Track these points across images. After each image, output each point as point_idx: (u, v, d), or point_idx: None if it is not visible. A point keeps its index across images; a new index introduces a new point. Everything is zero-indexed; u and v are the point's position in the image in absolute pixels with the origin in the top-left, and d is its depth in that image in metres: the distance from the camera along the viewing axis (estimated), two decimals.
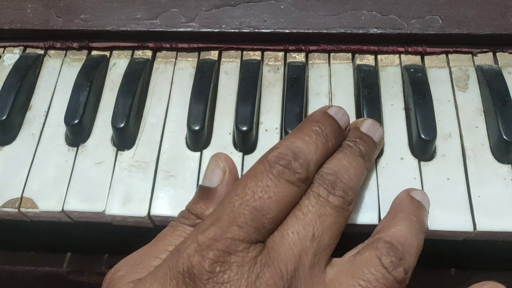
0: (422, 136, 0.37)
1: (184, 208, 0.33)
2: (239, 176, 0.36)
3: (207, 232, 0.28)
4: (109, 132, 0.40)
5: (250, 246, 0.28)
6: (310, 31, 0.43)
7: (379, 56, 0.44)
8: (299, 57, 0.44)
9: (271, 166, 0.30)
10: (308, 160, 0.31)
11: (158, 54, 0.45)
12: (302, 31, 0.43)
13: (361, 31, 0.43)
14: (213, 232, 0.28)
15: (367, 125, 0.36)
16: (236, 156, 0.39)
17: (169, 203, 0.37)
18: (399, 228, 0.31)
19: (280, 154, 0.30)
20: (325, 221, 0.30)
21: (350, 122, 0.36)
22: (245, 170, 0.38)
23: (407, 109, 0.40)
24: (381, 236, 0.31)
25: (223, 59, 0.44)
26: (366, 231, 0.36)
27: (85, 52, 0.46)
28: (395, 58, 0.44)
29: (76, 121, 0.40)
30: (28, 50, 0.46)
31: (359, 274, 0.29)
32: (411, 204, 0.33)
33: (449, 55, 0.43)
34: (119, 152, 0.39)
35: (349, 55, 0.44)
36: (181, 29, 0.44)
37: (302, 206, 0.30)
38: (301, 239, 0.29)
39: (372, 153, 0.35)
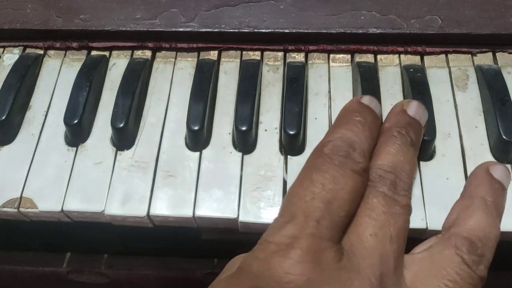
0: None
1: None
2: None
3: (284, 231, 0.26)
4: (108, 132, 0.40)
5: (333, 246, 0.26)
6: (310, 31, 0.43)
7: (378, 56, 0.44)
8: (299, 57, 0.44)
9: (332, 158, 0.28)
10: (363, 149, 0.30)
11: (158, 54, 0.45)
12: (302, 31, 0.43)
13: (360, 31, 0.43)
14: (291, 230, 0.26)
15: (414, 107, 0.34)
16: (235, 156, 0.39)
17: (168, 203, 0.37)
18: (477, 220, 0.30)
19: (336, 147, 0.29)
20: (398, 221, 0.29)
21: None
22: (245, 170, 0.38)
23: None
24: (458, 232, 0.30)
25: (222, 59, 0.44)
26: None
27: (85, 52, 0.46)
28: (394, 58, 0.44)
29: (76, 121, 0.40)
30: (28, 50, 0.46)
31: (443, 274, 0.28)
32: (490, 187, 0.32)
33: (448, 55, 0.43)
34: (119, 152, 0.39)
35: (349, 55, 0.44)
36: (181, 29, 0.44)
37: (372, 206, 0.29)
38: (381, 242, 0.27)
39: (420, 140, 0.34)
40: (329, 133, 0.31)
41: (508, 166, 0.37)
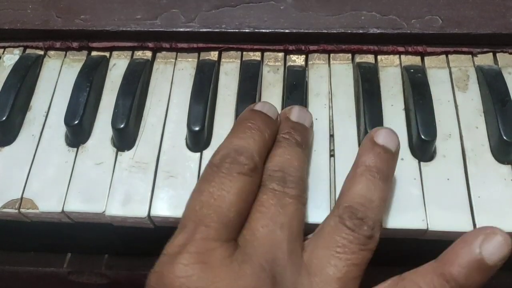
0: (422, 137, 0.37)
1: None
2: None
3: (175, 241, 0.28)
4: (109, 132, 0.40)
5: (222, 244, 0.28)
6: (310, 31, 0.43)
7: (379, 57, 0.44)
8: (299, 61, 0.44)
9: (219, 167, 0.31)
10: (250, 151, 0.32)
11: (158, 54, 0.45)
12: (302, 31, 0.43)
13: (361, 31, 0.43)
14: (181, 239, 0.28)
15: (296, 113, 0.36)
16: None
17: (169, 203, 0.37)
18: (357, 188, 0.32)
19: (223, 156, 0.31)
20: (288, 210, 0.31)
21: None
22: None
23: (407, 110, 0.40)
24: (340, 202, 0.31)
25: (223, 60, 0.44)
26: None
27: (85, 52, 0.46)
28: (395, 58, 0.44)
29: (76, 122, 0.39)
30: (28, 51, 0.46)
31: (332, 243, 0.30)
32: (372, 153, 0.33)
33: (449, 55, 0.43)
34: (119, 153, 0.39)
35: (349, 55, 0.44)
36: (181, 29, 0.44)
37: (263, 202, 0.31)
38: (272, 231, 0.29)
39: (307, 139, 0.36)
40: (221, 144, 0.33)
41: (509, 166, 0.38)
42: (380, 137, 0.33)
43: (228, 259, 0.28)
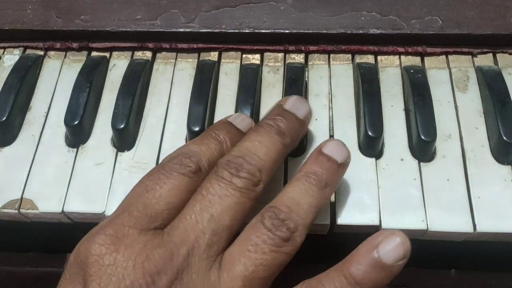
0: (422, 137, 0.37)
1: None
2: None
3: (100, 223, 0.30)
4: (109, 133, 0.40)
5: (141, 231, 0.29)
6: (310, 31, 0.43)
7: (379, 57, 0.44)
8: (298, 58, 0.44)
9: (163, 165, 0.32)
10: (199, 156, 0.32)
11: (158, 55, 0.45)
12: (302, 31, 0.43)
13: (361, 31, 0.43)
14: (104, 222, 0.30)
15: (291, 102, 0.35)
16: None
17: None
18: (289, 190, 0.31)
19: (172, 157, 0.32)
20: (226, 202, 0.30)
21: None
22: None
23: (407, 110, 0.40)
24: (269, 204, 0.31)
25: (223, 60, 0.44)
26: (366, 232, 0.36)
27: (85, 53, 0.46)
28: (395, 59, 0.44)
29: (76, 122, 0.40)
30: (28, 51, 0.46)
31: (247, 240, 0.30)
32: (314, 162, 0.33)
33: (449, 56, 0.43)
34: (119, 153, 0.39)
35: (349, 56, 0.44)
36: (181, 30, 0.44)
37: (202, 189, 0.31)
38: (199, 221, 0.29)
39: (294, 130, 0.34)
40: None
41: (509, 167, 0.38)
42: (327, 147, 0.33)
43: (141, 244, 0.28)
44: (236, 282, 0.29)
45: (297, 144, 0.36)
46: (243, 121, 0.36)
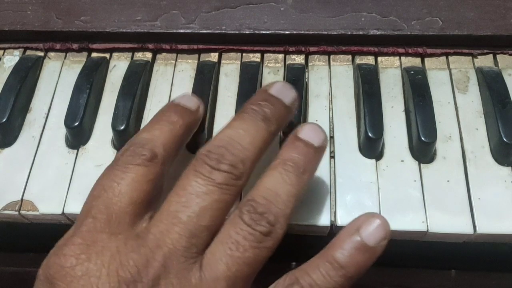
0: (422, 138, 0.37)
1: None
2: None
3: (66, 234, 0.29)
4: (109, 134, 0.40)
5: (111, 235, 0.28)
6: (310, 32, 0.43)
7: (379, 58, 0.44)
8: (298, 59, 0.44)
9: (117, 160, 0.30)
10: (152, 143, 0.31)
11: (158, 56, 0.45)
12: (302, 32, 0.43)
13: (361, 32, 0.43)
14: (70, 231, 0.29)
15: (277, 87, 0.34)
16: None
17: None
18: (266, 180, 0.30)
19: (123, 149, 0.31)
20: (204, 201, 0.28)
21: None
22: None
23: (407, 111, 0.40)
24: (247, 197, 0.30)
25: (223, 61, 0.44)
26: None
27: (85, 54, 0.46)
28: (395, 60, 0.44)
29: (76, 123, 0.39)
30: (28, 52, 0.46)
31: (227, 238, 0.28)
32: (291, 148, 0.31)
33: (449, 57, 0.43)
34: None
35: (349, 57, 0.44)
36: (181, 31, 0.44)
37: (178, 187, 0.29)
38: (175, 223, 0.28)
39: (280, 115, 0.33)
40: None
41: (509, 168, 0.38)
42: (303, 132, 0.32)
43: (113, 249, 0.27)
44: (219, 283, 0.28)
45: (281, 131, 0.34)
46: (190, 99, 0.35)
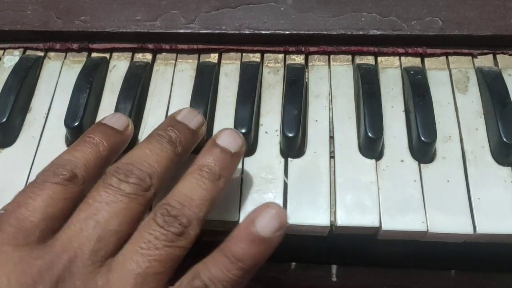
0: (422, 139, 0.37)
1: None
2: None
3: None
4: None
5: (15, 247, 0.28)
6: (310, 32, 0.43)
7: (379, 58, 0.44)
8: (298, 59, 0.44)
9: (36, 179, 0.31)
10: (73, 164, 0.32)
11: (158, 56, 0.45)
12: (302, 32, 0.43)
13: (361, 32, 0.43)
14: None
15: (183, 113, 0.36)
16: None
17: None
18: (181, 185, 0.31)
19: (44, 169, 0.32)
20: (113, 208, 0.30)
21: None
22: (245, 172, 0.38)
23: (407, 111, 0.40)
24: (162, 201, 0.31)
25: (223, 61, 0.44)
26: (366, 233, 0.37)
27: (85, 54, 0.46)
28: (395, 60, 0.44)
29: (76, 123, 0.39)
30: (28, 52, 0.46)
31: (139, 239, 0.29)
32: (207, 154, 0.33)
33: (449, 57, 0.43)
34: None
35: (349, 57, 0.44)
36: (181, 31, 0.44)
37: (88, 198, 0.30)
38: (84, 229, 0.29)
39: (186, 140, 0.34)
40: None
41: (509, 168, 0.38)
42: (221, 138, 0.34)
43: (16, 260, 0.28)
44: (128, 280, 0.28)
45: (189, 152, 0.36)
46: (118, 119, 0.36)
